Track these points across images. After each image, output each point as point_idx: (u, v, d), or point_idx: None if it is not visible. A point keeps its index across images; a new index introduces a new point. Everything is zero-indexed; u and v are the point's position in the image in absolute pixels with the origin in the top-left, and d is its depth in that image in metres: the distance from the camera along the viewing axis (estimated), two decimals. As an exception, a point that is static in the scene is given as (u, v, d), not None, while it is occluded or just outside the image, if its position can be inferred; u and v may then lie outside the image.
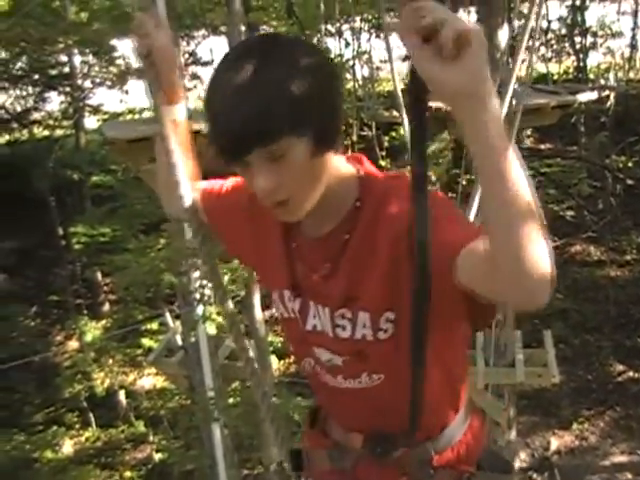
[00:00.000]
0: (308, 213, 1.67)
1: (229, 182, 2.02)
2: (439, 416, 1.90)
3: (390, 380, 1.79)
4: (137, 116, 16.53)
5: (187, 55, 16.79)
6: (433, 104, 5.56)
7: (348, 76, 15.14)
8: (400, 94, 5.60)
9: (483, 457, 1.98)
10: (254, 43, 1.61)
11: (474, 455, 1.97)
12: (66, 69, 16.41)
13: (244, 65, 1.51)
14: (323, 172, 1.65)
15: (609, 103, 14.96)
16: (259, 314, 8.33)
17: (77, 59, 16.14)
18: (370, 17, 15.69)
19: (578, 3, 16.93)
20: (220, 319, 7.49)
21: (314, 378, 1.91)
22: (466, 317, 1.66)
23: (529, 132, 16.81)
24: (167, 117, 1.90)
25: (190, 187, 1.93)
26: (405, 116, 5.10)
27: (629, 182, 14.87)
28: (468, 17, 16.68)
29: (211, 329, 7.63)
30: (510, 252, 1.30)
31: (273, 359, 9.63)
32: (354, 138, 14.86)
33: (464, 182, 7.17)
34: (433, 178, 10.51)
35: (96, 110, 16.98)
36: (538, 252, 1.32)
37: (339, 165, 1.72)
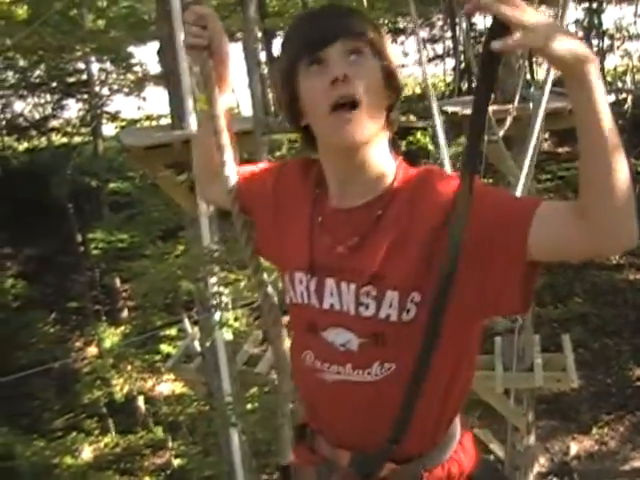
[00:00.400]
0: (345, 179, 1.72)
1: (257, 167, 2.03)
2: (433, 429, 1.82)
3: (399, 372, 1.72)
4: (155, 123, 16.60)
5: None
6: (450, 109, 5.53)
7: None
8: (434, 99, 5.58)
9: (478, 473, 1.95)
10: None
11: (466, 473, 1.90)
12: (84, 76, 16.52)
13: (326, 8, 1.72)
14: (383, 116, 1.70)
15: (626, 106, 14.90)
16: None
17: (95, 67, 16.25)
18: (387, 21, 15.70)
19: (595, 6, 16.88)
20: (237, 325, 7.51)
21: (311, 376, 1.82)
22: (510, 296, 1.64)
23: (547, 135, 16.76)
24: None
25: (235, 169, 1.93)
26: (438, 122, 5.06)
27: (647, 185, 14.79)
28: (484, 21, 16.70)
29: (228, 335, 7.65)
30: (610, 201, 1.43)
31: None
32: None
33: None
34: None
35: (114, 117, 17.09)
36: (630, 199, 1.46)
37: (386, 144, 1.75)
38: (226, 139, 1.89)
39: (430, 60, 19.36)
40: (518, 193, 2.29)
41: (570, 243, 1.52)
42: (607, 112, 1.41)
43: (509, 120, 4.99)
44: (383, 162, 1.71)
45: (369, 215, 1.71)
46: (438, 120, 5.00)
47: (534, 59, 14.54)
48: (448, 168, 4.90)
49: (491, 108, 6.08)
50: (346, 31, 1.59)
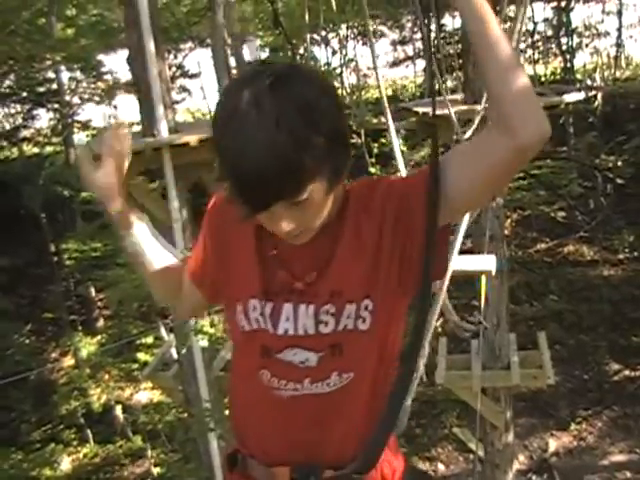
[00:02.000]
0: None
1: (198, 242, 2.03)
2: (364, 431, 1.81)
3: (357, 381, 1.76)
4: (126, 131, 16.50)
5: (174, 68, 16.82)
6: (421, 110, 5.54)
7: (336, 84, 15.17)
8: (386, 101, 5.58)
9: (408, 476, 1.96)
10: (261, 81, 1.55)
11: (398, 473, 1.93)
12: (54, 86, 16.41)
13: (258, 109, 1.50)
14: (335, 197, 1.70)
15: (596, 103, 15.01)
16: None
17: (65, 75, 16.14)
18: (356, 25, 15.72)
19: (563, 4, 17.00)
20: (213, 331, 7.48)
21: (264, 395, 1.82)
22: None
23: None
24: (132, 242, 2.00)
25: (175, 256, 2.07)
26: (390, 123, 5.07)
27: (619, 181, 14.89)
28: (453, 21, 16.76)
29: (204, 342, 7.62)
30: (510, 84, 1.55)
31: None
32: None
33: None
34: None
35: (85, 126, 17.00)
36: (530, 89, 1.56)
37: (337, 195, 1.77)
38: (155, 255, 2.03)
39: (400, 62, 19.46)
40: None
41: (490, 156, 1.61)
42: (489, 18, 1.57)
43: (477, 120, 4.99)
44: (333, 205, 1.73)
45: (324, 244, 1.75)
46: (392, 125, 5.03)
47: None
48: (404, 172, 4.91)
49: (460, 108, 6.12)
50: (283, 196, 1.56)
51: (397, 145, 5.05)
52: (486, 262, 5.26)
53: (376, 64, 5.64)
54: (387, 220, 1.70)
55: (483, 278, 5.92)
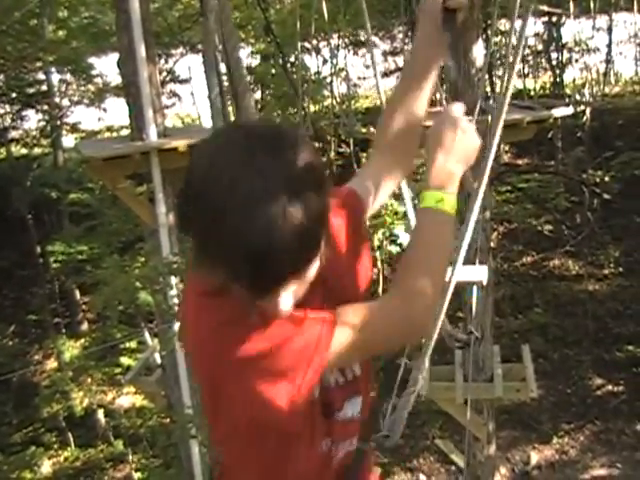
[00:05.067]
0: None
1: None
2: None
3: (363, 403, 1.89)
4: (115, 134, 16.51)
5: (165, 73, 16.80)
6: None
7: (326, 93, 15.18)
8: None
9: None
10: (255, 146, 1.46)
11: None
12: (44, 87, 16.38)
13: (263, 178, 1.41)
14: None
15: (585, 118, 15.06)
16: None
17: (55, 77, 16.12)
18: (347, 34, 15.75)
19: (554, 19, 17.06)
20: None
21: (325, 462, 1.83)
22: None
23: (506, 148, 16.89)
24: None
25: None
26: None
27: (606, 197, 14.93)
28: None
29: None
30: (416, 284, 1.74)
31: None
32: (332, 155, 14.90)
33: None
34: (411, 194, 10.51)
35: (74, 128, 16.95)
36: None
37: None
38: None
39: (391, 72, 19.45)
40: (477, 205, 2.32)
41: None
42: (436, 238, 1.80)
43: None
44: None
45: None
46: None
47: (494, 72, 14.67)
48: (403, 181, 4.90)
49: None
50: (301, 268, 1.52)
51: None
52: (478, 273, 5.27)
53: (377, 71, 5.65)
54: None
55: (475, 289, 5.91)
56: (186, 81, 17.50)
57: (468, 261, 7.59)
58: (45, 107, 16.66)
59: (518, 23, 2.26)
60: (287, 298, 1.52)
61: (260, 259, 1.40)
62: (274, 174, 1.41)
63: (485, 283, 5.19)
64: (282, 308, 1.53)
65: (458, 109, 1.86)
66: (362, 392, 1.85)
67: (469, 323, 6.72)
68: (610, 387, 12.55)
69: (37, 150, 17.93)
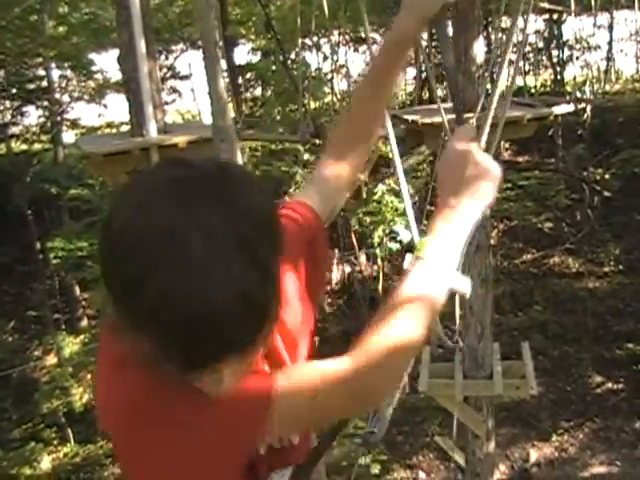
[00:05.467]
0: None
1: None
2: None
3: None
4: (115, 130, 16.50)
5: (165, 69, 16.80)
6: (410, 117, 5.57)
7: (327, 90, 15.18)
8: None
9: None
10: (195, 189, 1.20)
11: None
12: (44, 83, 16.38)
13: (203, 233, 1.15)
14: None
15: (585, 116, 15.06)
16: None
17: (55, 73, 16.11)
18: (348, 31, 15.75)
19: (555, 16, 17.05)
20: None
21: None
22: None
23: (507, 145, 16.89)
24: None
25: None
26: (390, 130, 5.05)
27: (606, 194, 14.95)
28: (447, 30, 16.77)
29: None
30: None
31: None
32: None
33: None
34: (411, 191, 10.53)
35: (74, 124, 16.96)
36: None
37: None
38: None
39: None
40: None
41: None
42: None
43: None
44: None
45: None
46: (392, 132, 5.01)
47: (495, 69, 14.64)
48: (402, 178, 4.90)
49: (452, 117, 6.12)
50: (246, 341, 1.26)
51: (397, 152, 5.03)
52: (462, 283, 5.29)
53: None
54: None
55: (457, 299, 5.89)
56: (186, 77, 17.50)
57: (468, 258, 7.60)
58: (45, 103, 16.67)
59: (520, 20, 2.24)
60: (225, 377, 1.27)
61: (196, 326, 1.14)
62: (217, 226, 1.16)
63: (467, 296, 5.20)
64: (217, 389, 1.29)
65: (463, 134, 1.61)
66: (295, 463, 1.65)
67: (455, 331, 6.72)
68: (610, 385, 12.56)
69: (37, 146, 17.93)
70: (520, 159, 17.56)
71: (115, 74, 15.27)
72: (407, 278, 1.47)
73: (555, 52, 18.14)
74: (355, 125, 1.90)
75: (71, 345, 14.03)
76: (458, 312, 6.24)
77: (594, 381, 12.74)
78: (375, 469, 10.22)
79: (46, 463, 12.95)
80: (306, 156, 13.01)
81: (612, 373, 12.67)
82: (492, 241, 10.44)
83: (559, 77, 18.09)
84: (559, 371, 12.87)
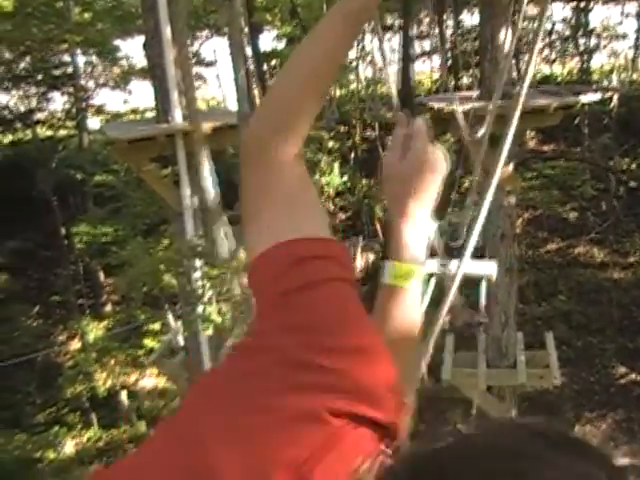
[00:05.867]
0: None
1: None
2: None
3: None
4: (140, 116, 16.54)
5: (191, 55, 16.80)
6: (436, 105, 5.54)
7: (352, 77, 15.14)
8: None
9: None
10: None
11: None
12: (69, 69, 16.45)
13: None
14: None
15: (612, 104, 14.94)
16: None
17: (80, 59, 16.18)
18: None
19: (582, 5, 16.92)
20: (220, 319, 7.47)
21: None
22: None
23: (532, 134, 16.80)
24: None
25: None
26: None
27: (632, 184, 14.85)
28: (471, 18, 16.70)
29: (209, 330, 7.59)
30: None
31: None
32: (357, 139, 14.87)
33: (467, 183, 7.13)
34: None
35: (99, 110, 17.03)
36: None
37: None
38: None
39: (418, 57, 19.38)
40: (492, 189, 2.29)
41: None
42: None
43: (488, 118, 4.92)
44: None
45: None
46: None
47: (520, 57, 14.57)
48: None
49: (473, 105, 6.08)
50: None
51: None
52: (487, 267, 5.26)
53: (386, 60, 5.61)
54: None
55: (483, 284, 5.87)
56: (211, 64, 17.51)
57: (494, 247, 7.56)
58: (70, 89, 16.74)
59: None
60: None
61: None
62: None
63: (494, 279, 5.16)
64: None
65: (421, 130, 1.30)
66: None
67: (478, 312, 6.68)
68: (633, 376, 12.48)
69: (62, 132, 18.03)
70: (546, 148, 17.45)
71: (140, 60, 15.30)
72: (400, 306, 1.25)
73: (582, 40, 18.00)
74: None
75: (95, 330, 14.12)
76: (484, 292, 6.20)
77: (618, 372, 12.66)
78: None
79: (69, 447, 13.06)
80: (330, 143, 12.99)
81: (636, 364, 12.59)
82: (517, 230, 10.40)
83: (586, 65, 17.95)
84: (582, 361, 12.80)
